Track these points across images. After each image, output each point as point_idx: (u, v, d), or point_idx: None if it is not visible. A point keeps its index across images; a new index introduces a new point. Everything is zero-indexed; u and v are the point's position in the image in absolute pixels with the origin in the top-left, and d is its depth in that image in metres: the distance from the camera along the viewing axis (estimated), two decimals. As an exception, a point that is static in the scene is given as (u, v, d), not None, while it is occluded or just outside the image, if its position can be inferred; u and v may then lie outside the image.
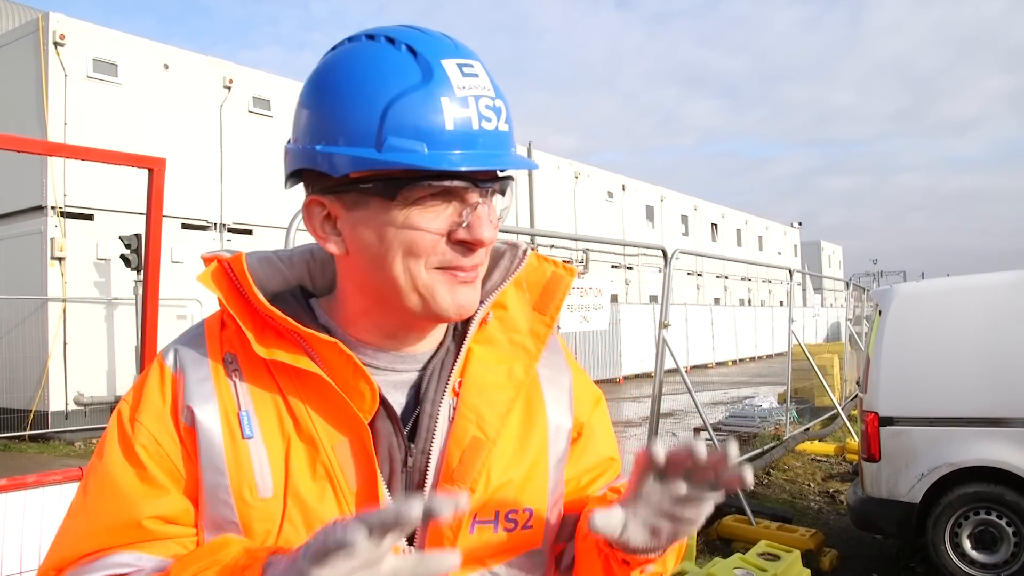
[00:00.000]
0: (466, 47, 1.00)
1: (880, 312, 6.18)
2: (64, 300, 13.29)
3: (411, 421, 1.05)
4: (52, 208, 13.20)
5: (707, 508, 0.98)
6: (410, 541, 1.02)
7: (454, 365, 1.08)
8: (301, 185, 1.07)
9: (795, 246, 47.42)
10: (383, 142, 0.93)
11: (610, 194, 28.56)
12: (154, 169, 3.16)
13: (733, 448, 0.92)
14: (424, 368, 1.09)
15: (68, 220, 13.43)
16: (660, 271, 8.07)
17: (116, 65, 14.03)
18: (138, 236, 12.08)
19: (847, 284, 20.19)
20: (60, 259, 13.34)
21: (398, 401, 1.06)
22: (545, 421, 1.12)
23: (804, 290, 31.59)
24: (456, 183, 0.96)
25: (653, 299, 27.51)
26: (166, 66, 14.82)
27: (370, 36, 1.00)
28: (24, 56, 13.52)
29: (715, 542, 6.72)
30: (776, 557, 4.85)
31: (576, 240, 20.68)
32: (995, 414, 5.50)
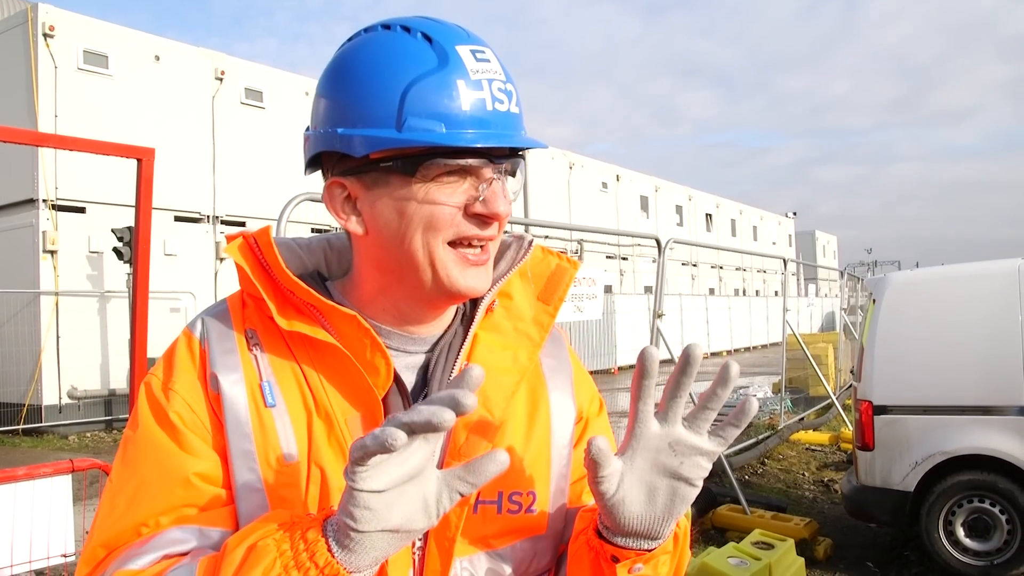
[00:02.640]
0: (477, 35, 1.05)
1: (874, 301, 6.18)
2: (56, 294, 13.24)
3: (420, 400, 1.07)
4: (44, 201, 13.13)
5: (705, 466, 0.99)
6: None
7: (461, 348, 1.12)
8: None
9: (790, 236, 47.47)
10: (403, 123, 0.99)
11: (604, 184, 28.53)
12: (143, 159, 3.14)
13: (734, 368, 0.96)
14: (431, 350, 1.13)
15: (60, 213, 13.36)
16: (654, 261, 8.06)
17: (106, 57, 13.95)
18: (130, 229, 12.04)
19: (842, 274, 20.22)
20: (52, 252, 13.28)
21: (408, 380, 1.10)
22: (548, 407, 1.16)
23: (799, 280, 31.64)
24: (472, 160, 1.01)
25: (648, 289, 27.51)
26: (157, 58, 14.74)
27: (386, 26, 1.05)
28: (13, 48, 13.43)
29: (710, 532, 6.74)
30: (770, 546, 4.85)
31: (570, 230, 20.64)
32: (988, 402, 5.52)
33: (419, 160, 1.00)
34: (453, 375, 1.10)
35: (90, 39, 13.80)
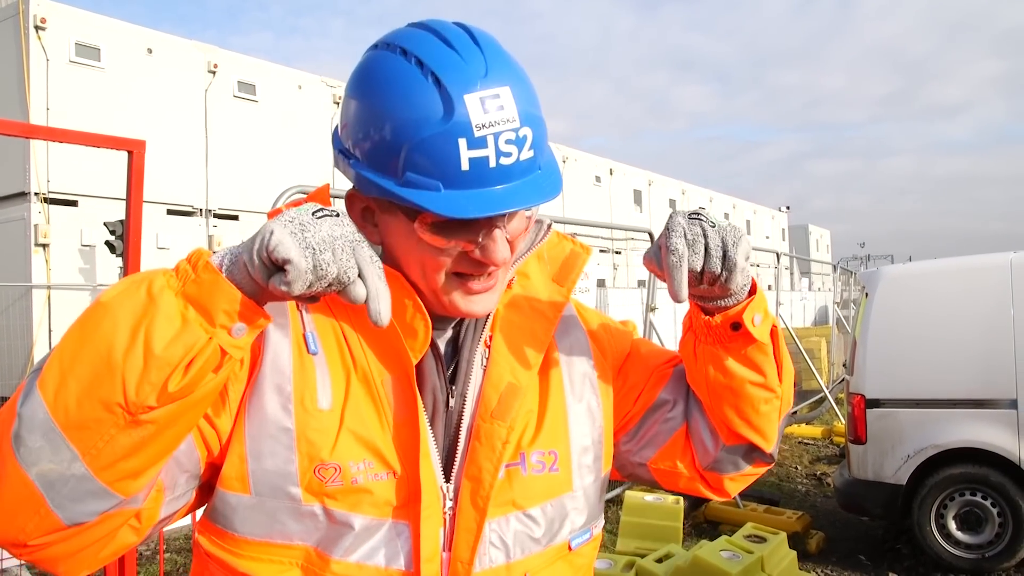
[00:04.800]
0: (500, 68, 1.02)
1: (867, 295, 6.19)
2: (48, 287, 13.17)
3: (451, 368, 1.16)
4: (35, 194, 13.06)
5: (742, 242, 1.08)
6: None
7: (486, 322, 1.18)
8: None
9: (783, 230, 47.44)
10: (403, 175, 1.00)
11: (598, 178, 28.50)
12: (134, 151, 3.12)
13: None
14: (458, 324, 1.18)
15: (52, 206, 13.28)
16: (647, 255, 8.04)
17: (99, 49, 13.87)
18: (123, 222, 11.98)
19: (835, 268, 20.28)
20: (44, 246, 13.20)
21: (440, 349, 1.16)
22: (560, 374, 1.22)
23: (792, 274, 31.68)
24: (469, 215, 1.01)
25: (641, 283, 27.52)
26: (150, 50, 14.65)
27: (404, 51, 1.03)
28: (4, 40, 13.35)
29: (702, 525, 6.75)
30: (763, 539, 4.86)
31: (563, 223, 20.64)
32: (981, 396, 5.53)
33: (419, 210, 1.01)
34: (479, 344, 1.16)
35: (82, 32, 13.72)
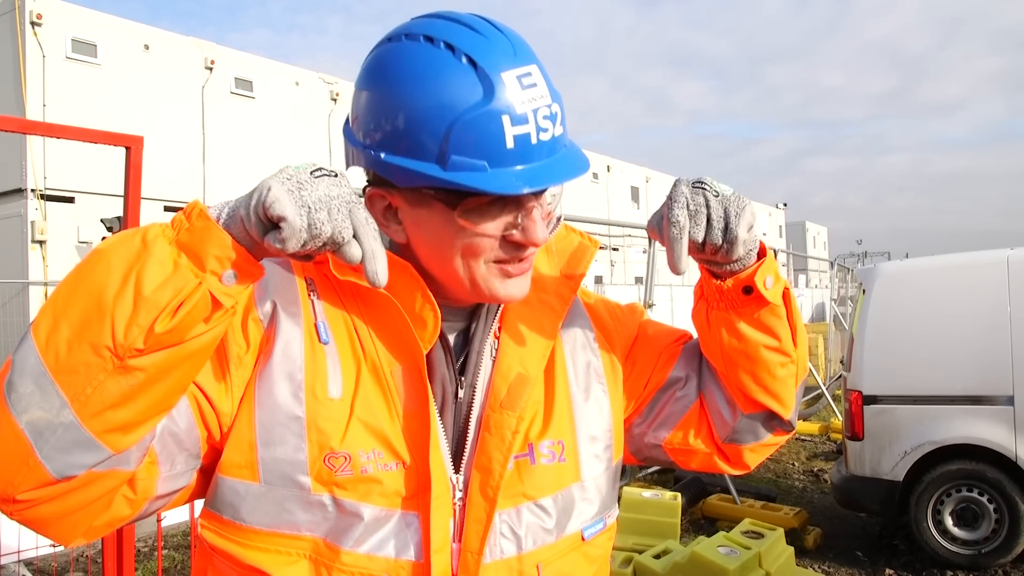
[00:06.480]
0: (523, 48, 1.04)
1: (864, 291, 6.19)
2: (46, 284, 13.15)
3: (461, 358, 1.16)
4: (32, 191, 13.04)
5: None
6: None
7: (496, 313, 1.19)
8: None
9: (780, 227, 47.48)
10: (447, 159, 0.98)
11: (595, 175, 28.51)
12: (131, 147, 3.11)
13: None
14: (469, 316, 1.18)
15: (48, 203, 13.26)
16: (645, 252, 8.06)
17: (95, 46, 13.84)
18: (119, 218, 11.96)
19: (832, 264, 20.28)
20: (41, 242, 13.18)
21: (450, 340, 1.16)
22: (564, 365, 1.21)
23: (789, 271, 31.71)
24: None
25: (638, 280, 27.53)
26: (146, 47, 14.62)
27: (429, 38, 1.02)
28: (0, 36, 13.32)
29: (700, 521, 6.76)
30: (760, 535, 4.86)
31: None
32: (978, 392, 5.54)
33: (462, 195, 1.01)
34: (488, 335, 1.17)
35: (79, 28, 13.69)
